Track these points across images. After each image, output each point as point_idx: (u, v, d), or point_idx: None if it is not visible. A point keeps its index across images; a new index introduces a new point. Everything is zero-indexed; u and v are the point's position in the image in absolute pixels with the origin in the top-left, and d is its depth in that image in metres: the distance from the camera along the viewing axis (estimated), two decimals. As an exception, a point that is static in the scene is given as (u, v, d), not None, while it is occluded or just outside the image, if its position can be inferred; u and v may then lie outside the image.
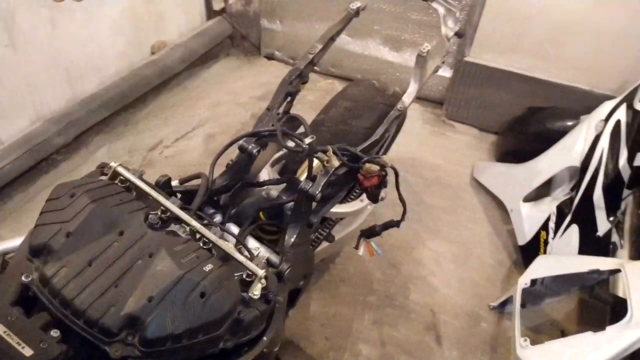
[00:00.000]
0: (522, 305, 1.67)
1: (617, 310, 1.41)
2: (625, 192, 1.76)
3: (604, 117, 1.76)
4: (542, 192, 1.96)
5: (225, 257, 0.84)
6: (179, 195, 1.07)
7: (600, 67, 2.08)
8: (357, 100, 1.49)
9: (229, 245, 0.85)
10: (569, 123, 2.00)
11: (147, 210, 0.88)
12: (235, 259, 0.82)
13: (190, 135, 2.49)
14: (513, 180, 2.05)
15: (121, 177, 0.94)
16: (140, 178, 0.96)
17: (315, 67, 2.73)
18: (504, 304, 1.81)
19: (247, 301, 0.79)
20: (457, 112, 2.57)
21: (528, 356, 1.43)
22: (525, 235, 1.93)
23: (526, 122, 2.23)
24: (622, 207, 1.79)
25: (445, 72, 2.52)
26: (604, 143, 1.72)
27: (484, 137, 2.54)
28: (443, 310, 1.83)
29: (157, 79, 2.56)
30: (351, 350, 1.70)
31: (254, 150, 1.14)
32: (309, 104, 2.60)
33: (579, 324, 1.79)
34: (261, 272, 0.79)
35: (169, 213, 0.89)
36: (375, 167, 1.11)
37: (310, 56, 1.26)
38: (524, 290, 1.61)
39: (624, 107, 1.69)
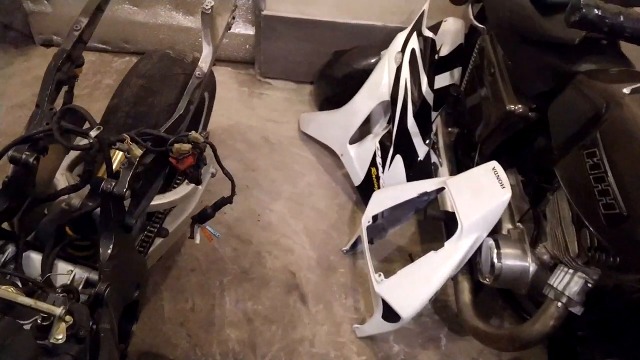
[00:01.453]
0: (370, 242, 1.73)
1: (450, 224, 1.52)
2: (433, 114, 1.90)
3: (400, 49, 1.85)
4: (364, 131, 2.02)
5: (9, 306, 0.66)
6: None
7: (389, 3, 2.18)
8: (152, 75, 1.32)
9: (6, 290, 0.66)
10: (372, 60, 2.07)
11: None
12: (19, 303, 0.64)
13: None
14: (336, 126, 2.08)
15: None
16: None
17: (106, 46, 2.45)
18: (354, 245, 1.86)
19: (51, 350, 0.63)
20: (270, 68, 2.51)
21: (384, 289, 1.48)
22: (358, 175, 1.98)
23: (334, 67, 2.26)
24: (434, 129, 1.93)
25: (248, 30, 2.42)
26: (405, 73, 1.80)
27: (301, 89, 2.54)
28: (301, 268, 1.82)
29: None
30: (218, 339, 1.61)
31: (31, 159, 0.92)
32: (107, 89, 2.30)
33: (422, 244, 1.93)
34: (58, 311, 0.63)
35: None
36: (187, 146, 0.98)
37: (77, 33, 1.05)
38: (368, 228, 1.66)
39: (414, 36, 1.79)
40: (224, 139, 2.21)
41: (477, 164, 1.65)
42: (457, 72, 1.90)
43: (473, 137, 1.70)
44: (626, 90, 0.96)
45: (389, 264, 1.86)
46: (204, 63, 1.10)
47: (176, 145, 0.97)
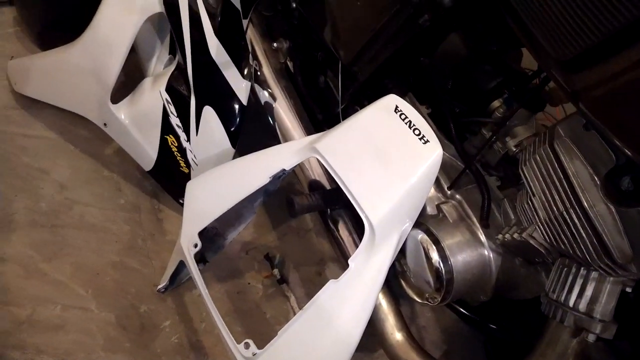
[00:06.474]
0: (203, 263, 1.01)
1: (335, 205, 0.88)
2: (244, 24, 1.12)
3: None
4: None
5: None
6: None
7: None
8: None
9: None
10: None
11: None
12: None
13: None
14: (77, 75, 1.16)
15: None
16: None
17: None
18: (175, 274, 1.08)
19: None
20: None
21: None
22: (147, 153, 1.16)
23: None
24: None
25: None
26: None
27: (-4, 17, 1.46)
28: (93, 353, 1.00)
29: None
30: None
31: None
32: None
33: (276, 229, 1.24)
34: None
35: None
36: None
37: None
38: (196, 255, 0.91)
39: None
40: None
41: (341, 96, 1.00)
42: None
43: (322, 49, 1.00)
44: None
45: (242, 285, 1.15)
46: None
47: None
